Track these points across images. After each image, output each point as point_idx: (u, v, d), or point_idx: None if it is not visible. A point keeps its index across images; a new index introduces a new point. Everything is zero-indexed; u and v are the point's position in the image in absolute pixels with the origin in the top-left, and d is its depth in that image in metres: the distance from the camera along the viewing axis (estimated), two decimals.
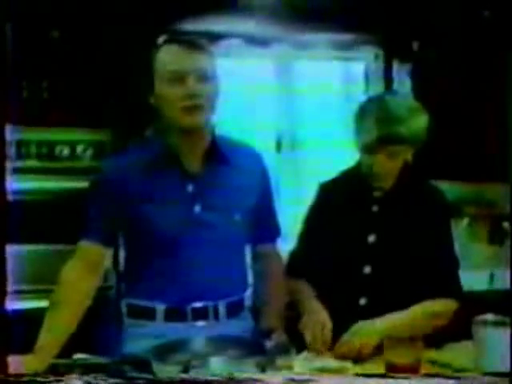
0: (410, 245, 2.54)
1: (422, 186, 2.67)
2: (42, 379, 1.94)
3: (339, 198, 2.69)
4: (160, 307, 2.40)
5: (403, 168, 2.60)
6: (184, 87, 2.31)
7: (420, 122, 2.54)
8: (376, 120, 2.49)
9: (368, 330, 2.40)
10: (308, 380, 1.93)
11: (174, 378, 1.94)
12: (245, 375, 1.93)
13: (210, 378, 1.92)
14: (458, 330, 2.48)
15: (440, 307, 2.53)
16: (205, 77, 2.34)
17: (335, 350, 2.39)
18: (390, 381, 1.97)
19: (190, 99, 2.32)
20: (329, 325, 2.46)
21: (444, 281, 2.54)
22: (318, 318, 2.48)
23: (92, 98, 3.86)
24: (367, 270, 2.56)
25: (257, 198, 2.51)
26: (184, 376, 1.96)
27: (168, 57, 2.36)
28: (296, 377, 1.96)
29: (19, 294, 3.51)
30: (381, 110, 2.51)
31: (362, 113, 2.57)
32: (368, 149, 2.53)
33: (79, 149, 3.87)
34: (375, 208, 2.62)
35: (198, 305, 2.40)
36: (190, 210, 2.40)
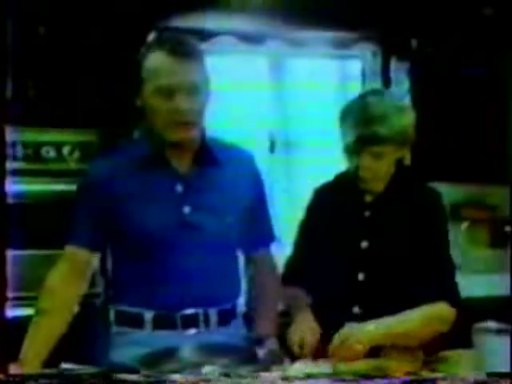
0: (405, 250, 2.52)
1: (416, 188, 2.64)
2: None
3: (332, 204, 2.67)
4: (148, 314, 2.37)
5: (396, 170, 2.58)
6: (173, 103, 2.28)
7: (403, 120, 2.51)
8: (355, 120, 2.48)
9: (359, 336, 2.37)
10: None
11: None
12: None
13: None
14: (458, 337, 2.47)
15: (438, 313, 2.50)
16: (196, 90, 2.30)
17: (329, 354, 2.36)
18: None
19: (178, 116, 2.29)
20: (316, 334, 2.44)
21: (440, 288, 2.51)
22: (305, 326, 2.46)
23: (79, 98, 3.85)
24: (361, 277, 2.54)
25: (249, 201, 2.49)
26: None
27: (157, 67, 2.30)
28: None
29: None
30: (361, 110, 2.50)
31: (344, 114, 2.56)
32: (350, 150, 2.52)
33: (66, 150, 3.84)
34: (367, 213, 2.60)
35: (188, 312, 2.38)
36: (178, 211, 2.37)
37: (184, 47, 2.32)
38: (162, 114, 2.30)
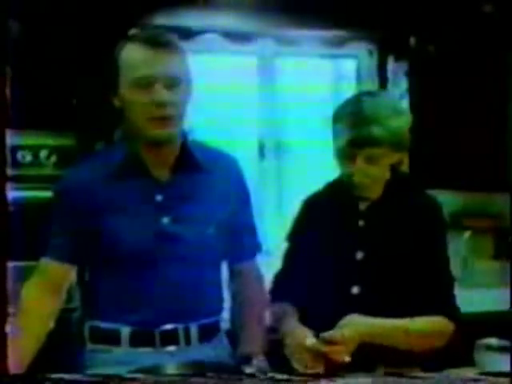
0: (401, 263, 2.52)
1: (414, 196, 2.64)
2: None
3: (323, 213, 2.66)
4: (125, 330, 2.37)
5: (392, 176, 2.57)
6: (152, 95, 2.29)
7: (398, 122, 2.50)
8: (349, 122, 2.47)
9: (359, 321, 2.38)
10: None
11: None
12: None
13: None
14: (459, 354, 2.46)
15: (438, 327, 2.49)
16: (175, 82, 2.32)
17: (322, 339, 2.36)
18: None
19: (158, 109, 2.29)
20: (317, 349, 2.42)
21: (439, 302, 2.51)
22: (302, 335, 2.45)
23: (56, 99, 3.83)
24: (355, 290, 2.53)
25: (233, 209, 2.49)
26: None
27: (134, 59, 2.32)
28: None
29: None
30: (354, 111, 2.48)
31: (337, 116, 2.55)
32: (343, 155, 2.51)
33: (42, 154, 3.83)
34: (361, 222, 2.59)
35: (168, 327, 2.38)
36: (157, 222, 2.38)
37: (162, 38, 2.35)
38: (140, 108, 2.31)
